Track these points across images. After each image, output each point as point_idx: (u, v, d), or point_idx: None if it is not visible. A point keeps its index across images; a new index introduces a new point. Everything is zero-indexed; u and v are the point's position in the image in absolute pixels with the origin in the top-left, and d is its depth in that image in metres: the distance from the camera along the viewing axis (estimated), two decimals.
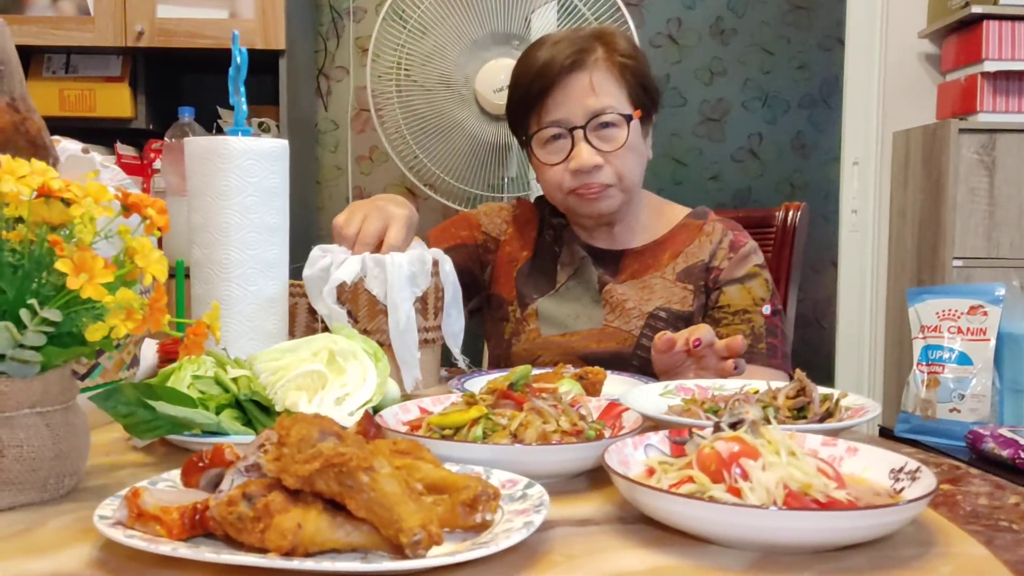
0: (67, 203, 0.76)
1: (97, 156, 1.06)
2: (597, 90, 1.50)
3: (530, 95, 1.53)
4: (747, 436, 0.73)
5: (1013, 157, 2.71)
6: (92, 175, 1.01)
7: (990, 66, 2.71)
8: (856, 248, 3.19)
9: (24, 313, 0.72)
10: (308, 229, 3.11)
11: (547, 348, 1.55)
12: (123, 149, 2.67)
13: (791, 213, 1.88)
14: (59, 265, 0.71)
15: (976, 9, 2.71)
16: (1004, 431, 2.20)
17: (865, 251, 3.18)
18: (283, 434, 0.63)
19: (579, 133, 1.49)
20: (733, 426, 0.75)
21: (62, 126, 2.60)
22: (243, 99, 1.24)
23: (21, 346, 0.73)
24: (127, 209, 0.83)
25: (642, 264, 1.59)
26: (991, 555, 0.67)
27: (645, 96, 1.56)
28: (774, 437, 0.73)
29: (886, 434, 2.63)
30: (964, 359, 2.38)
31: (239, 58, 1.23)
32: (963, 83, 2.85)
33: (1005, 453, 2.13)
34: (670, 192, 3.29)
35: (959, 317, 2.42)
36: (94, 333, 0.73)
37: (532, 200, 1.75)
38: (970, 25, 2.81)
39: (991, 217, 2.73)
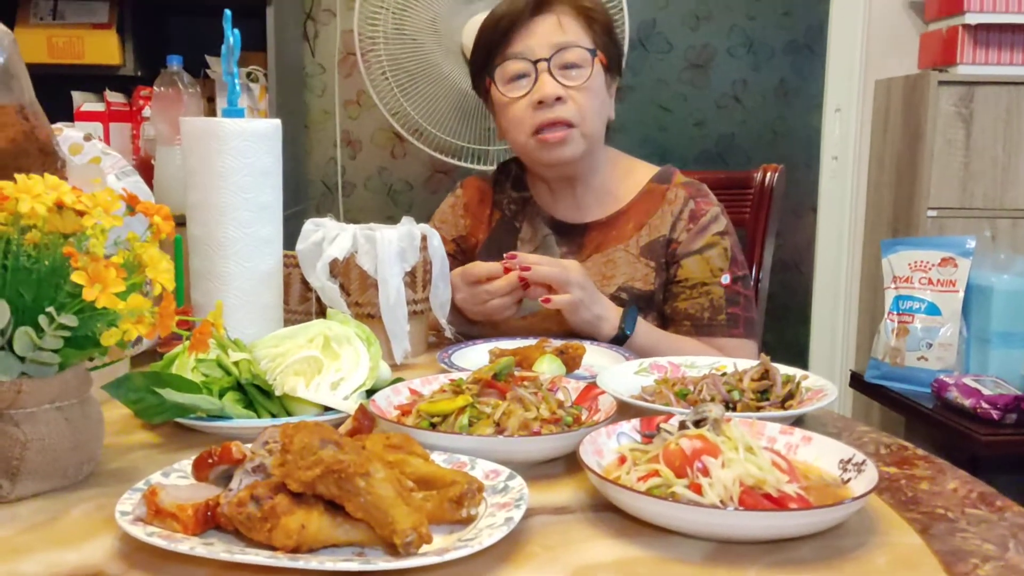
0: (79, 213, 0.81)
1: (98, 143, 1.11)
2: (564, 28, 1.52)
3: (495, 36, 1.55)
4: (709, 434, 0.80)
5: (990, 110, 2.76)
6: (95, 161, 1.06)
7: (971, 18, 2.74)
8: (835, 195, 3.25)
9: (43, 319, 0.78)
10: (297, 173, 3.15)
11: (509, 335, 1.47)
12: (112, 96, 2.68)
13: (769, 175, 1.94)
14: (75, 277, 0.76)
15: None
16: (968, 380, 2.31)
17: (844, 198, 3.24)
18: (287, 442, 0.70)
19: (543, 65, 1.50)
20: (697, 423, 0.82)
21: (51, 74, 2.62)
22: (236, 79, 1.28)
23: (40, 349, 0.79)
24: (132, 209, 0.89)
25: (606, 236, 1.58)
26: (925, 545, 0.75)
27: (611, 46, 1.57)
28: (733, 434, 0.80)
29: (857, 379, 2.73)
30: (933, 309, 2.47)
31: (231, 38, 1.27)
32: (944, 34, 2.87)
33: (967, 402, 2.24)
34: (655, 138, 3.36)
35: (930, 269, 2.50)
36: (108, 339, 0.79)
37: (491, 171, 1.75)
38: None
39: (966, 168, 2.79)
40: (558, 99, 1.50)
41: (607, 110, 1.58)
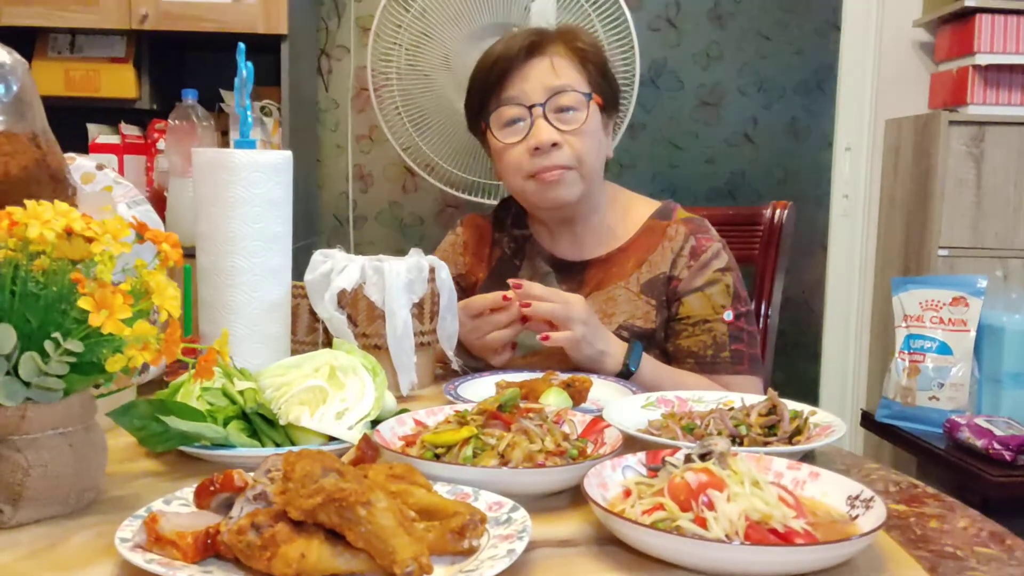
0: (88, 239, 0.81)
1: (111, 172, 1.11)
2: (557, 71, 1.51)
3: (489, 80, 1.54)
4: (715, 468, 0.79)
5: (1001, 149, 2.76)
6: (107, 190, 1.07)
7: (982, 59, 2.75)
8: (846, 233, 3.25)
9: (48, 345, 0.78)
10: (309, 206, 3.16)
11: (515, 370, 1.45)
12: (127, 129, 2.71)
13: (778, 212, 1.94)
14: (81, 303, 0.77)
15: (969, 2, 2.74)
16: (980, 421, 2.28)
17: (855, 236, 3.24)
18: (288, 469, 0.70)
19: (538, 110, 1.49)
20: (703, 457, 0.81)
21: (67, 106, 2.65)
22: (248, 111, 1.29)
23: (45, 374, 0.79)
24: (141, 237, 0.89)
25: (606, 274, 1.57)
26: None
27: (607, 86, 1.57)
28: (739, 468, 0.80)
29: (868, 418, 2.71)
30: (944, 349, 2.45)
31: (244, 71, 1.28)
32: (955, 75, 2.88)
33: (979, 443, 2.22)
34: (666, 175, 3.37)
35: (941, 308, 2.48)
36: (114, 364, 0.79)
37: (494, 207, 1.74)
38: (963, 17, 2.85)
39: (977, 208, 2.79)
40: (554, 145, 1.49)
41: (605, 150, 1.58)
